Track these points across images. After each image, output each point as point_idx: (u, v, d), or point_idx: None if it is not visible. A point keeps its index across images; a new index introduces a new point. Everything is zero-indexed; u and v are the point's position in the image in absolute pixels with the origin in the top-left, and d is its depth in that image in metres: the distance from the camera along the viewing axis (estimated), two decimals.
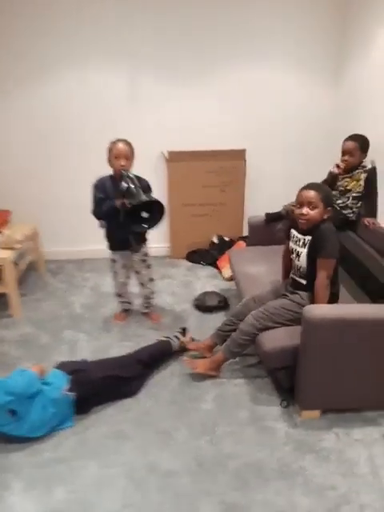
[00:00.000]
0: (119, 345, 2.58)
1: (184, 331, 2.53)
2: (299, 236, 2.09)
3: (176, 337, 2.46)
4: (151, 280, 2.78)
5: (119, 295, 2.82)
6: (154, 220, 2.29)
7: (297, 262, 2.12)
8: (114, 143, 2.37)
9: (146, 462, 1.80)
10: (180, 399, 2.14)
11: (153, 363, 2.31)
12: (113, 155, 2.35)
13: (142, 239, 2.63)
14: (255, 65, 3.46)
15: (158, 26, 3.29)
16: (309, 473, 1.74)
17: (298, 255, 2.09)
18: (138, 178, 2.40)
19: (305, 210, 1.97)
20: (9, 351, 2.54)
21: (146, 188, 2.42)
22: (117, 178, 2.40)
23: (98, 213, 2.45)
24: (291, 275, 2.21)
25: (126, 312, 2.91)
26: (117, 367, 2.16)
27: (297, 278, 2.16)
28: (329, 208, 2.00)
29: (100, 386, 2.06)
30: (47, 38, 3.24)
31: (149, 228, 2.34)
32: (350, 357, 1.87)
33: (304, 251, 2.04)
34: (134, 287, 2.88)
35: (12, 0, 3.12)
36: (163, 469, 1.76)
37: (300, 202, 2.00)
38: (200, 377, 2.27)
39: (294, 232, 2.14)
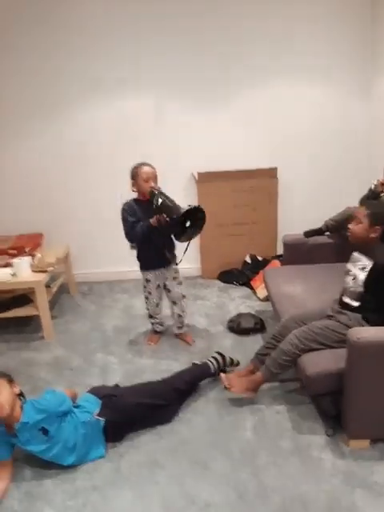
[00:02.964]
0: (152, 369, 2.50)
1: (232, 361, 2.41)
2: (359, 256, 2.02)
3: (215, 358, 2.36)
4: (183, 296, 2.74)
5: (152, 317, 2.77)
6: (198, 226, 2.29)
7: (351, 284, 2.02)
8: (139, 167, 2.39)
9: (184, 492, 1.69)
10: (217, 427, 2.03)
11: (190, 390, 2.22)
12: (141, 179, 2.37)
13: (174, 256, 2.62)
14: (282, 81, 3.47)
15: (181, 49, 3.35)
16: (362, 510, 1.59)
17: (355, 278, 2.00)
18: None
19: (351, 225, 2.01)
20: (40, 374, 2.51)
21: None
22: (146, 199, 2.40)
23: (134, 236, 2.44)
24: (341, 296, 2.11)
25: (159, 334, 2.85)
26: (151, 395, 2.07)
27: (347, 300, 2.05)
28: (377, 227, 1.94)
29: (133, 413, 1.98)
30: (74, 66, 3.36)
31: (195, 234, 2.32)
32: None
33: (362, 275, 1.96)
34: (165, 309, 2.82)
35: (43, 31, 3.27)
36: (201, 500, 1.65)
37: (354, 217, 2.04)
38: (238, 403, 2.16)
39: (355, 253, 2.08)
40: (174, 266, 2.63)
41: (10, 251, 3.08)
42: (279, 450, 1.87)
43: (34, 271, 2.89)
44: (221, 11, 3.29)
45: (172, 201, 2.27)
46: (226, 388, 2.15)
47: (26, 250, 3.11)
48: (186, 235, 2.29)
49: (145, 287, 2.67)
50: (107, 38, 3.31)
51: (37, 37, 3.28)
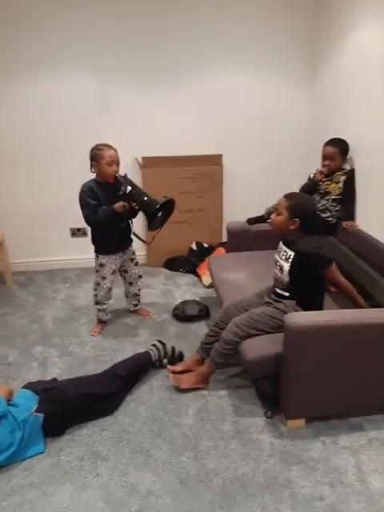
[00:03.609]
0: (94, 360, 2.45)
1: (173, 351, 2.38)
2: (283, 247, 2.06)
3: (155, 346, 2.35)
4: (140, 277, 2.80)
5: (99, 303, 2.70)
6: (167, 214, 2.38)
7: (279, 275, 2.06)
8: (103, 150, 2.34)
9: (126, 482, 1.68)
10: (160, 415, 2.03)
11: (132, 378, 2.19)
12: (105, 162, 2.34)
13: (131, 240, 2.68)
14: (228, 69, 3.44)
15: (127, 32, 3.23)
16: (296, 484, 1.67)
17: (281, 269, 2.04)
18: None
19: (273, 216, 2.02)
20: None
21: None
22: (110, 182, 2.40)
23: (95, 220, 2.38)
24: (274, 286, 2.15)
25: (103, 323, 2.79)
26: (93, 384, 2.03)
27: (279, 290, 2.10)
28: (296, 219, 1.93)
29: (74, 405, 1.93)
30: (11, 48, 3.14)
31: (164, 222, 2.39)
32: (333, 363, 1.83)
33: (287, 266, 2.00)
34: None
35: None
36: (143, 489, 1.65)
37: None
38: (182, 390, 2.17)
39: (280, 244, 2.11)
40: (131, 248, 2.68)
41: None
42: (220, 434, 1.91)
43: None
44: (174, 1, 3.20)
45: (141, 189, 2.33)
46: (176, 386, 2.16)
47: None
48: (156, 224, 2.36)
49: (98, 271, 2.61)
50: (53, 19, 3.10)
51: None
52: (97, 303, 2.70)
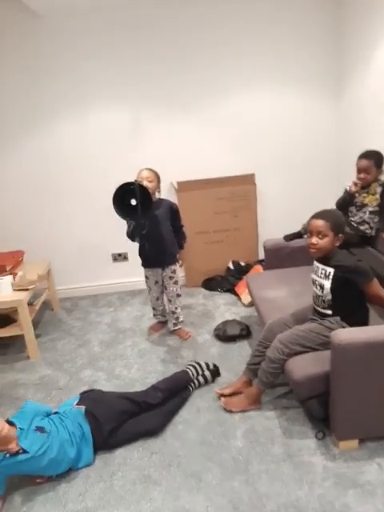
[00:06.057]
0: (141, 382, 2.49)
1: (207, 366, 2.45)
2: (320, 266, 2.03)
3: (192, 366, 2.41)
4: (178, 295, 2.90)
5: (153, 308, 3.01)
6: (143, 206, 2.41)
7: (320, 293, 2.04)
8: (139, 171, 2.61)
9: (179, 507, 1.69)
10: (209, 438, 2.03)
11: (171, 391, 2.21)
12: (138, 181, 2.54)
13: (172, 259, 2.80)
14: (254, 89, 3.50)
15: (155, 61, 3.36)
16: (354, 511, 1.61)
17: (322, 287, 2.01)
18: (165, 200, 2.72)
19: (314, 240, 1.96)
20: (27, 395, 2.47)
21: (175, 212, 2.74)
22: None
23: (128, 232, 2.65)
24: (314, 305, 2.13)
25: (162, 324, 3.09)
26: (132, 394, 2.16)
27: (320, 309, 2.07)
28: (340, 235, 1.95)
29: (114, 404, 2.04)
30: (53, 84, 3.34)
31: (140, 215, 2.43)
32: None
33: (327, 284, 1.98)
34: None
35: (14, 48, 3.24)
36: None
37: (310, 231, 1.98)
38: (229, 411, 2.16)
39: (315, 263, 2.08)
40: (171, 266, 2.79)
41: None
42: (271, 457, 1.88)
43: (15, 290, 2.84)
44: (197, 22, 3.31)
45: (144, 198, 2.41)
46: (226, 410, 2.17)
47: (7, 268, 3.06)
48: (134, 213, 2.41)
49: (146, 283, 2.91)
50: (82, 51, 3.30)
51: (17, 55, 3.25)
52: (152, 308, 3.03)
